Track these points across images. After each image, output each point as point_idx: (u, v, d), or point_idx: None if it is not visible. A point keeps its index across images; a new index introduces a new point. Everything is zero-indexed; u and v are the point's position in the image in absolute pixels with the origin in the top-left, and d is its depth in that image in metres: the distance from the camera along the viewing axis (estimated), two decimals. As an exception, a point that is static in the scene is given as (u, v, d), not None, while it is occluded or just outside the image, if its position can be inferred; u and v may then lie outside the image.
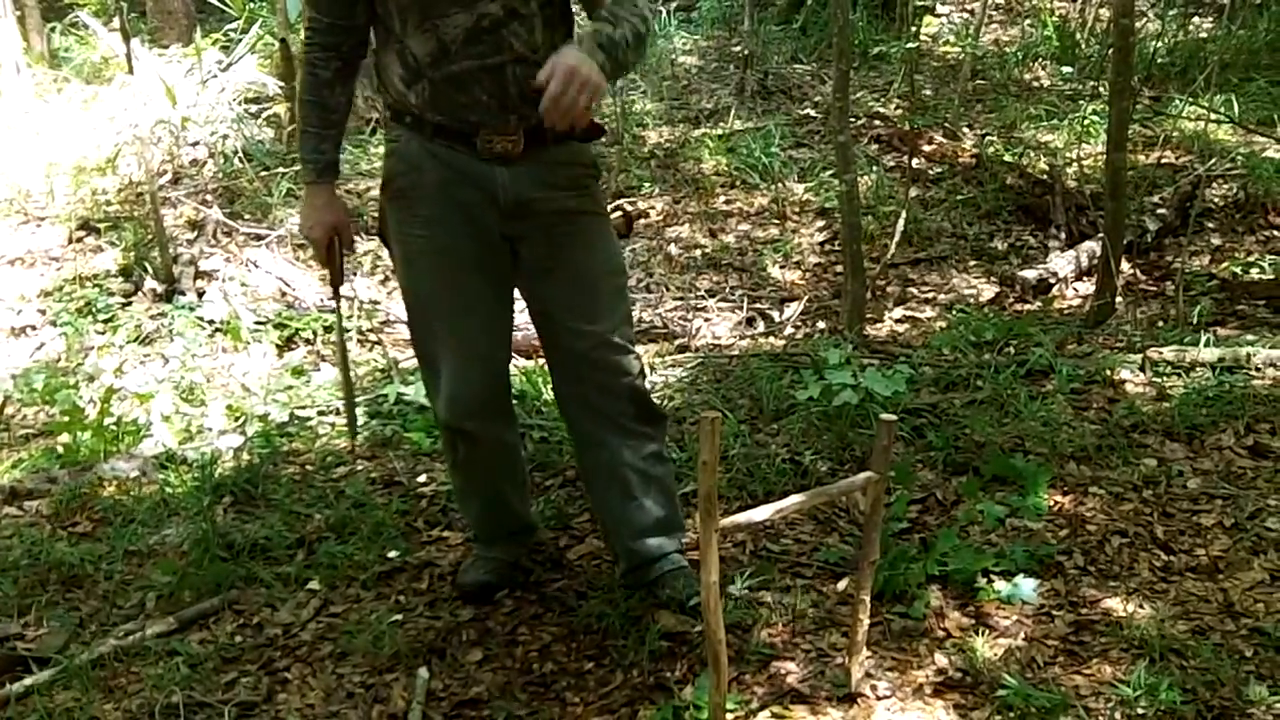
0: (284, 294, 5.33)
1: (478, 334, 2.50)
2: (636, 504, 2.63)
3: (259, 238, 5.67)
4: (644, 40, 2.32)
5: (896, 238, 5.55)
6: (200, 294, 5.18)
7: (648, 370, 2.69)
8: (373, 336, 4.96)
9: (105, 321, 5.04)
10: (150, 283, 5.27)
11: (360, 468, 3.56)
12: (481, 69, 2.30)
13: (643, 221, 6.19)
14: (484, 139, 2.36)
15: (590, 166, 2.54)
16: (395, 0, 2.29)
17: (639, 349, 2.65)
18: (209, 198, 6.04)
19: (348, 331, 4.97)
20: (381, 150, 6.57)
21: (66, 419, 3.99)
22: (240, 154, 6.42)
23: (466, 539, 3.02)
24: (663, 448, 2.69)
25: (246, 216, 5.92)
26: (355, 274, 5.43)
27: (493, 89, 2.31)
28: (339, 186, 2.59)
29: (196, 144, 6.59)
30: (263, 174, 6.31)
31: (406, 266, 2.52)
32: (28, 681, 2.54)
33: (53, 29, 9.42)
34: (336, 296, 2.72)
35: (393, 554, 3.00)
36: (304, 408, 4.05)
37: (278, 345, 4.90)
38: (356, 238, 5.71)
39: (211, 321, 4.95)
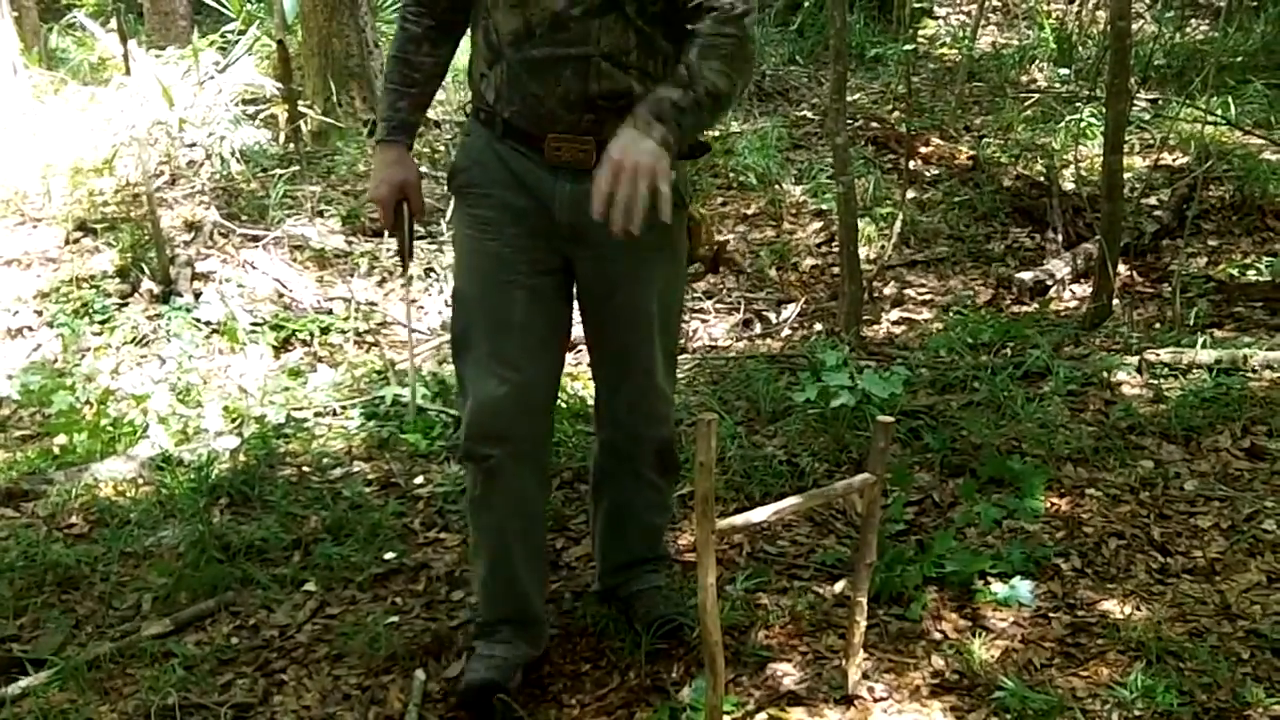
0: (281, 295, 5.31)
1: (515, 352, 2.28)
2: (624, 543, 2.63)
3: (256, 239, 5.66)
4: (727, 95, 2.08)
5: (893, 239, 5.54)
6: (197, 295, 5.16)
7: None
8: (369, 339, 4.95)
9: (102, 323, 5.02)
10: (147, 284, 5.25)
11: (357, 469, 3.56)
12: (566, 58, 2.13)
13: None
14: (552, 144, 2.19)
15: (676, 191, 2.12)
16: None
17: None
18: (206, 199, 6.03)
19: (345, 333, 4.95)
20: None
21: (63, 420, 3.98)
22: (237, 155, 6.41)
23: (470, 620, 2.64)
24: (670, 497, 2.68)
25: (244, 218, 5.90)
26: (352, 275, 5.41)
27: (572, 81, 2.14)
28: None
29: (194, 145, 6.57)
30: (260, 175, 6.30)
31: (458, 266, 2.40)
32: (24, 683, 2.54)
33: (50, 30, 9.42)
34: (405, 267, 2.54)
35: (389, 556, 3.00)
36: (301, 409, 4.04)
37: (274, 347, 4.88)
38: (355, 238, 5.73)
39: (208, 323, 4.93)
